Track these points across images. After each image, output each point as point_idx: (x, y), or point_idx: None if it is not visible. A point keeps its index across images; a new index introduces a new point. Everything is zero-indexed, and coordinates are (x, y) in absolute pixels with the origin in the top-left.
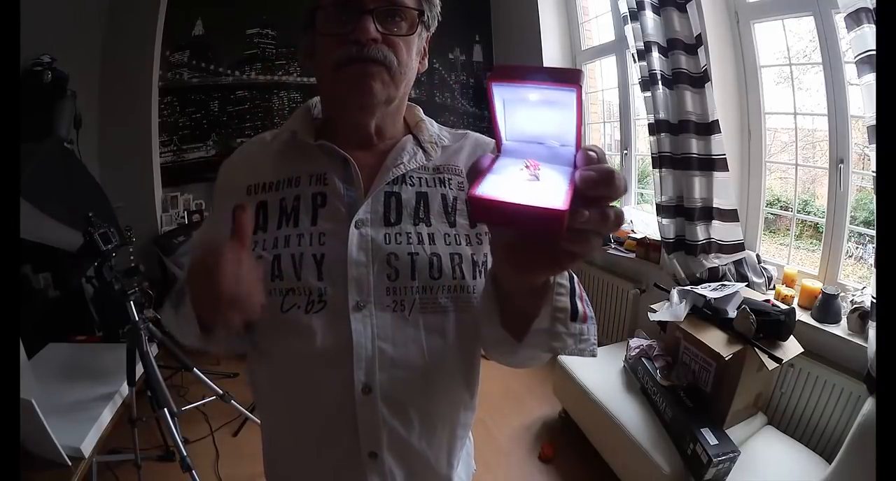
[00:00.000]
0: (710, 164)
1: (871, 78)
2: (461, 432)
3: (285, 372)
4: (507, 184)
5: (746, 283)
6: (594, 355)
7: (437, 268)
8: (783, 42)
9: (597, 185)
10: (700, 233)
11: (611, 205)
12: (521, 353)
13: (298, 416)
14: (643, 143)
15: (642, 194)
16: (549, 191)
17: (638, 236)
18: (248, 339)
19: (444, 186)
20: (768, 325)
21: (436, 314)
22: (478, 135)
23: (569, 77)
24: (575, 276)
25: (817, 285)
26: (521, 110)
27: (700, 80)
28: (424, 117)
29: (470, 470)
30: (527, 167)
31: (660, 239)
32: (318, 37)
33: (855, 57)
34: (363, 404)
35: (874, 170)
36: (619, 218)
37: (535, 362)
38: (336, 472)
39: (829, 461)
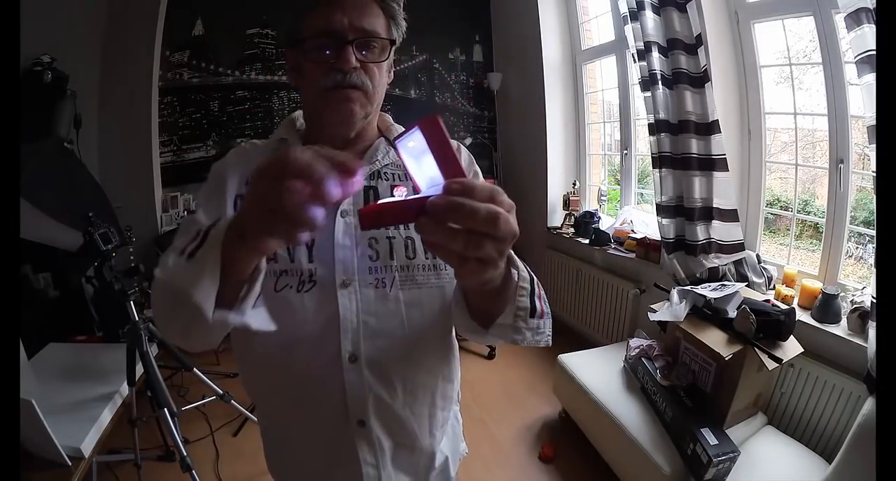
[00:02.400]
0: (710, 164)
1: (871, 78)
2: (441, 403)
3: (279, 348)
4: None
5: (746, 283)
6: (548, 344)
7: (411, 249)
8: (783, 42)
9: (437, 208)
10: (700, 233)
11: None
12: (488, 338)
13: (292, 390)
14: (643, 143)
15: (642, 194)
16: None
17: (638, 236)
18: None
19: None
20: (768, 325)
21: (412, 290)
22: None
23: (421, 122)
24: (535, 278)
25: (817, 285)
26: (421, 160)
27: (700, 80)
28: (393, 123)
29: (458, 451)
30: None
31: (660, 239)
32: (305, 62)
33: (855, 57)
34: (350, 371)
35: (874, 170)
36: (469, 244)
37: (503, 341)
38: (329, 443)
39: (829, 461)
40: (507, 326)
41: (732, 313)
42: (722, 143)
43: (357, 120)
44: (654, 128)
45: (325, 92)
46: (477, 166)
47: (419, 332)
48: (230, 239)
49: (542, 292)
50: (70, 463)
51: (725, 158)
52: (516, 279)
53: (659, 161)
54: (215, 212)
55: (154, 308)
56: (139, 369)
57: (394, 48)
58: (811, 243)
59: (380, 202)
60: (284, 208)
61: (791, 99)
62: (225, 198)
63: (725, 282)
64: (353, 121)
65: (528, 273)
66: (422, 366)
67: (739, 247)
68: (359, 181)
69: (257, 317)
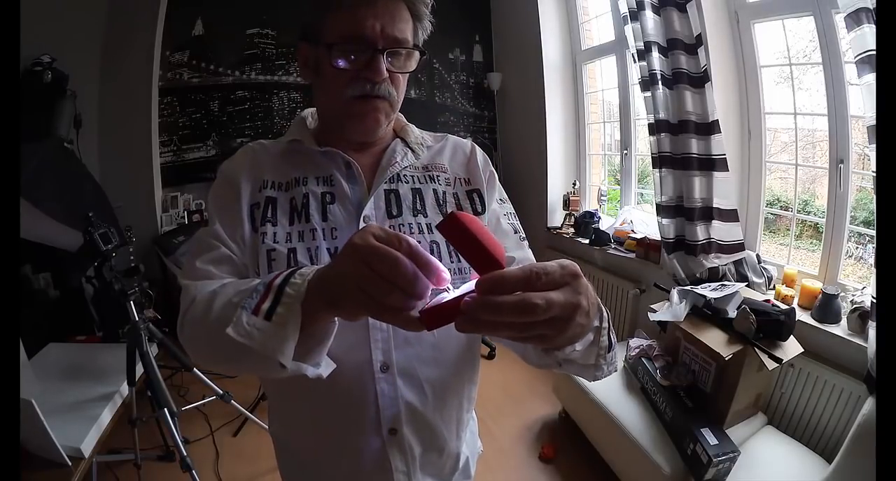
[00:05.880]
0: (710, 164)
1: (871, 78)
2: (467, 405)
3: None
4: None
5: (746, 283)
6: (616, 370)
7: (437, 253)
8: (783, 42)
9: (470, 309)
10: (700, 233)
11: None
12: (560, 370)
13: (322, 402)
14: (643, 143)
15: (642, 194)
16: (440, 299)
17: (638, 236)
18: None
19: (434, 182)
20: (768, 325)
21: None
22: (455, 137)
23: (440, 225)
24: (607, 313)
25: (817, 285)
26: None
27: (700, 80)
28: (407, 123)
29: (475, 449)
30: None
31: (660, 239)
32: (329, 67)
33: (855, 57)
34: (382, 381)
35: (874, 170)
36: (514, 331)
37: (579, 376)
38: (360, 453)
39: (829, 461)
40: (590, 366)
41: (732, 313)
42: (722, 143)
43: (381, 129)
44: (654, 129)
45: (350, 100)
46: (492, 166)
47: (446, 338)
48: (313, 301)
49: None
50: (70, 463)
51: (725, 158)
52: (598, 323)
53: (659, 161)
54: (230, 225)
55: (207, 352)
56: (139, 369)
57: (423, 58)
58: (811, 243)
59: (433, 302)
60: (385, 302)
61: (791, 99)
62: (240, 208)
63: (725, 282)
64: (376, 131)
65: (604, 310)
66: (450, 371)
67: (739, 247)
68: (448, 279)
69: (327, 366)
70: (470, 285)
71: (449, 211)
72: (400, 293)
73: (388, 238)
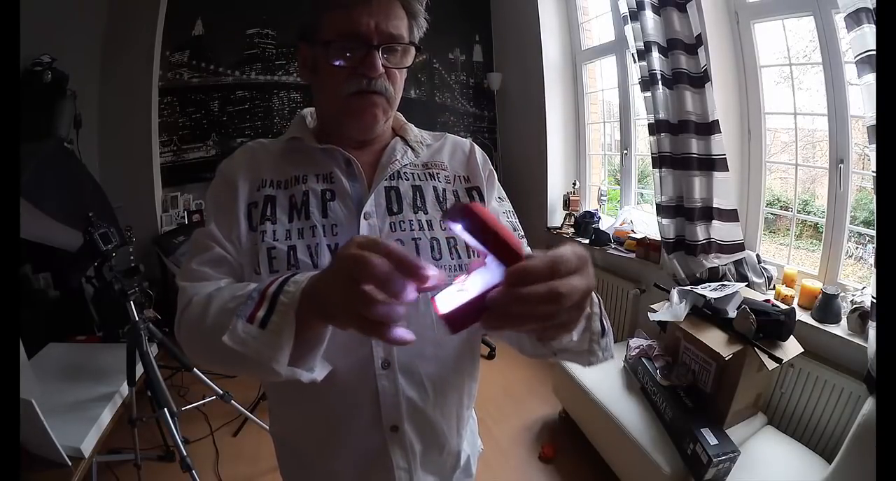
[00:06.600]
0: (710, 164)
1: (871, 78)
2: (467, 402)
3: None
4: (450, 291)
5: (746, 283)
6: (612, 357)
7: (437, 250)
8: (783, 42)
9: (499, 303)
10: (700, 233)
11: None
12: (555, 359)
13: (323, 401)
14: (643, 143)
15: (642, 194)
16: (458, 299)
17: (638, 236)
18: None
19: (434, 180)
20: (768, 325)
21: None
22: (454, 136)
23: (454, 213)
24: (597, 297)
25: (817, 285)
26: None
27: (700, 80)
28: (406, 122)
29: (476, 448)
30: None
31: (660, 239)
32: (326, 65)
33: (855, 57)
34: (383, 378)
35: (874, 170)
36: (539, 321)
37: (574, 363)
38: (361, 451)
39: (829, 461)
40: (584, 352)
41: (732, 313)
42: (722, 143)
43: (379, 125)
44: (654, 128)
45: (347, 97)
46: (492, 165)
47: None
48: (306, 309)
49: (602, 309)
50: (70, 463)
51: (725, 158)
52: (590, 308)
53: (659, 161)
54: (226, 225)
55: (203, 354)
56: (139, 369)
57: (419, 54)
58: (811, 243)
59: (453, 305)
60: (366, 315)
61: (791, 99)
62: (237, 208)
63: (725, 282)
64: (375, 127)
65: (595, 296)
66: (451, 367)
67: (739, 247)
68: (435, 278)
69: (322, 369)
70: (479, 280)
71: (447, 208)
72: (377, 306)
73: (368, 243)
